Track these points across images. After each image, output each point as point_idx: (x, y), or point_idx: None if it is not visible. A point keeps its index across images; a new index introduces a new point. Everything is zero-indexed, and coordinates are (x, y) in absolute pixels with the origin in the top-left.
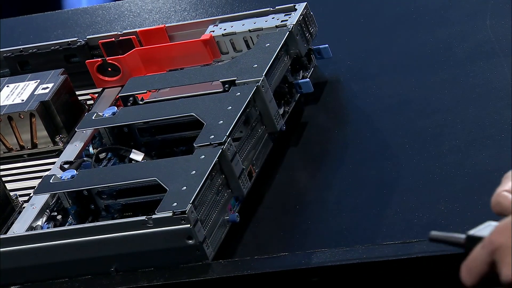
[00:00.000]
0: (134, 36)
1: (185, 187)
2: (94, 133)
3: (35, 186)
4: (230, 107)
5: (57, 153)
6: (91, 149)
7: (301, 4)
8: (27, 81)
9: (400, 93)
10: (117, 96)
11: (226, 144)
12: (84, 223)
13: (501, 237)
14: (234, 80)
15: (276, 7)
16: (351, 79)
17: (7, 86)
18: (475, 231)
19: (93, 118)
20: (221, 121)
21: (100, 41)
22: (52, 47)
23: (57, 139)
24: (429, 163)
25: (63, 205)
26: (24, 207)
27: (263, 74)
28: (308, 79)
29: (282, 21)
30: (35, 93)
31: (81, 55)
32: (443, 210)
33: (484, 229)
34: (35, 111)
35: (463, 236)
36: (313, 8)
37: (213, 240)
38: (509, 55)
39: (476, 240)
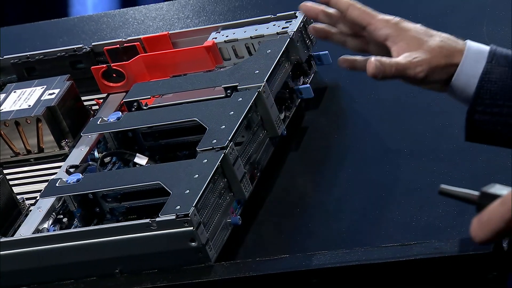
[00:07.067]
0: (138, 42)
1: (188, 191)
2: (99, 137)
3: (42, 190)
4: (232, 112)
5: (63, 157)
6: (96, 153)
7: None
8: (34, 86)
9: (399, 97)
10: (122, 102)
11: (228, 148)
12: (89, 225)
13: None
14: (236, 85)
15: (277, 14)
16: (350, 84)
17: (14, 92)
18: (488, 189)
19: (98, 123)
20: (223, 126)
21: (105, 47)
22: (58, 54)
23: (63, 143)
24: (428, 166)
25: (68, 208)
26: (30, 210)
27: (265, 80)
28: (308, 85)
29: (283, 28)
30: (42, 98)
31: (87, 62)
32: (441, 213)
33: (498, 189)
34: (41, 116)
35: (476, 192)
36: None
37: (216, 242)
38: None
39: (492, 197)
